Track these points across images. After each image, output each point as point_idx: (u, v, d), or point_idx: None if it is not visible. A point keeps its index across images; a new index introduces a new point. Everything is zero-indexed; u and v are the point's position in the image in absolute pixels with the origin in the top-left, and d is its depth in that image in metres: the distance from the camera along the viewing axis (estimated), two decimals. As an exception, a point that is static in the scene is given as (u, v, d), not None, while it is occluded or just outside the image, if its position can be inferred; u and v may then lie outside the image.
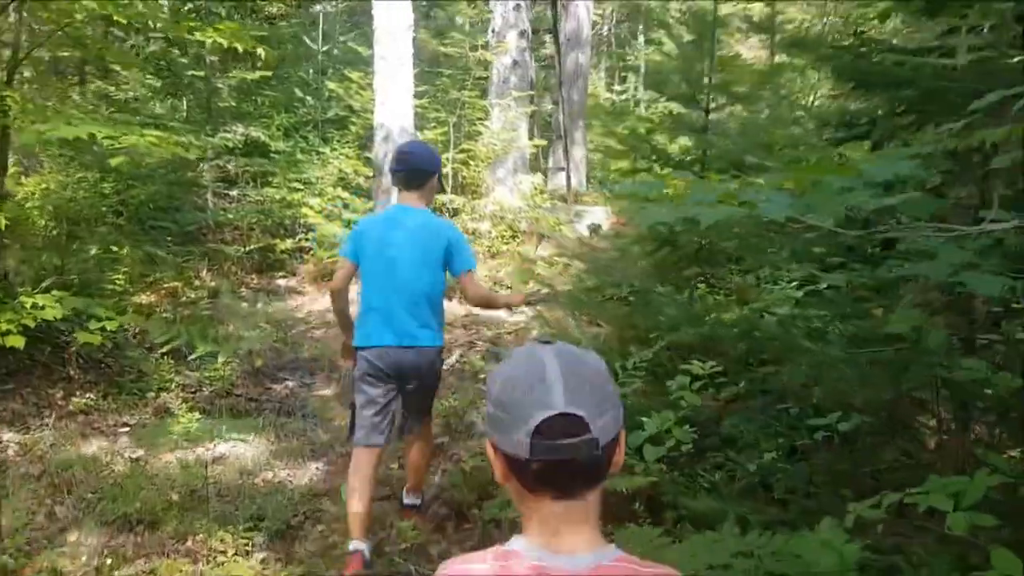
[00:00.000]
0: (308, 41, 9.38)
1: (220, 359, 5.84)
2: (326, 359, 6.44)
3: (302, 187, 8.86)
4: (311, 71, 9.27)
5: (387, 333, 3.57)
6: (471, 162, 9.54)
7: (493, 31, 11.38)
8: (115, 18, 5.61)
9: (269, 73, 9.10)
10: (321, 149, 8.93)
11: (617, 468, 1.15)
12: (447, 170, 9.08)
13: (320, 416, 5.53)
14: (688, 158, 5.21)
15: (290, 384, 6.13)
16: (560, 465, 1.07)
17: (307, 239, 8.65)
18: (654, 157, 5.11)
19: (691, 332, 3.71)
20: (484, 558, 1.14)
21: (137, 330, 6.30)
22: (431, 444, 4.15)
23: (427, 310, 3.62)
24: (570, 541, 1.11)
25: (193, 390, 5.76)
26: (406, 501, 4.10)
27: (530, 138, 11.20)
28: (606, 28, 24.16)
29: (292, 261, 8.80)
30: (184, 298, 7.75)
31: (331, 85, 8.70)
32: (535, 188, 10.18)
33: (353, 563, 3.45)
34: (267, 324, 7.19)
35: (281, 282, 8.59)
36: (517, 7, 11.41)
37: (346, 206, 8.45)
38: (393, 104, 7.61)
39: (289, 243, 8.60)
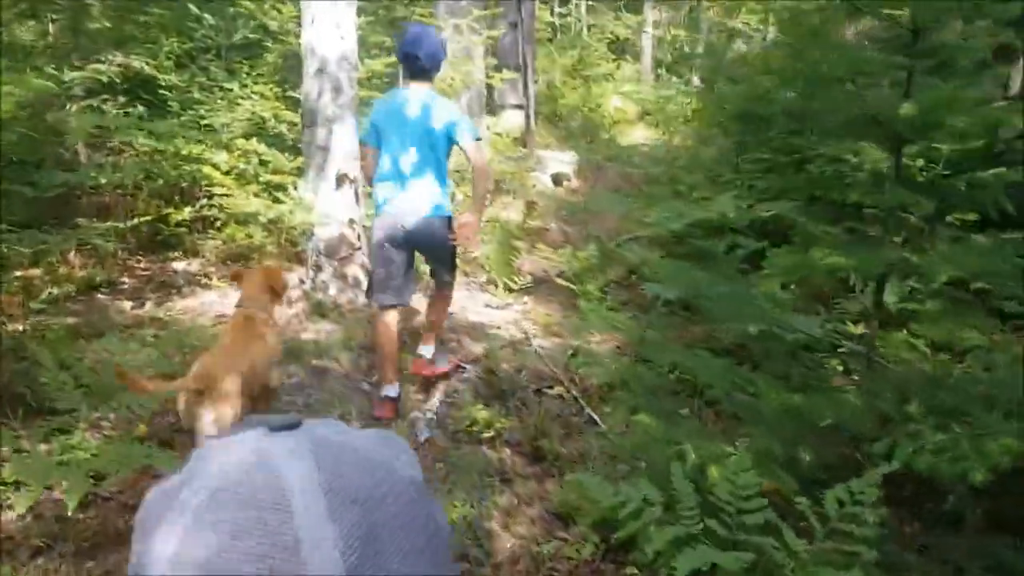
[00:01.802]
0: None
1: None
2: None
3: (203, 137, 6.61)
4: (208, -21, 6.92)
5: (404, 207, 4.13)
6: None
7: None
8: None
9: (153, -17, 6.75)
10: (227, 85, 6.63)
11: None
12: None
13: None
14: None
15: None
16: None
17: (212, 206, 6.45)
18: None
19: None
20: None
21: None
22: (449, 301, 4.67)
23: (436, 184, 4.16)
24: None
25: None
26: (421, 351, 4.60)
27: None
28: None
29: (192, 237, 6.59)
30: (44, 295, 5.54)
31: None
32: (506, 135, 8.12)
33: (388, 407, 4.25)
34: (159, 336, 5.07)
35: (179, 266, 6.39)
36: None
37: (264, 163, 6.26)
38: (328, 22, 5.40)
39: (188, 212, 6.35)
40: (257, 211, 5.54)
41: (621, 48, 21.97)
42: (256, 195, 6.01)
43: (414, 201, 4.13)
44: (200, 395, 3.03)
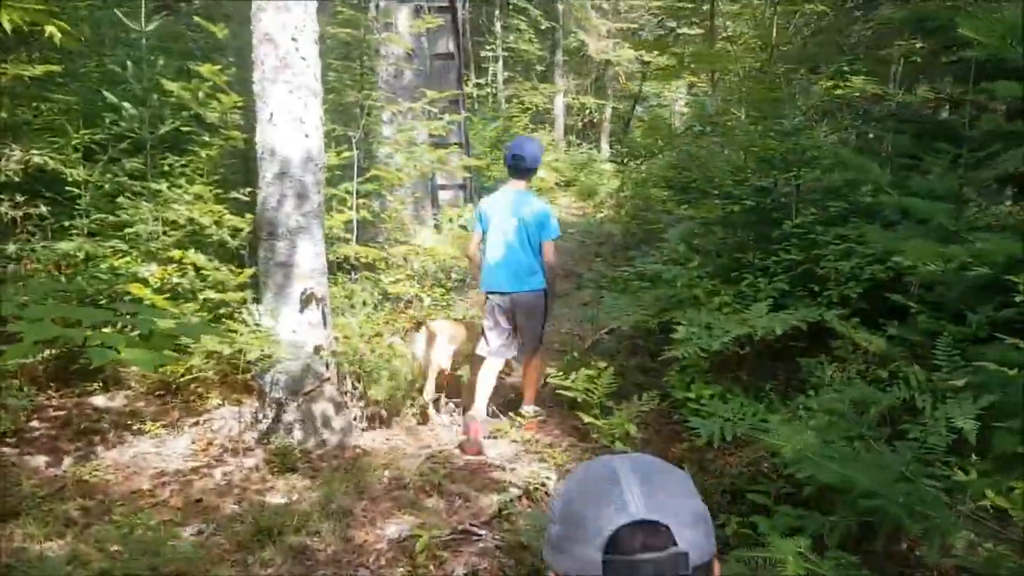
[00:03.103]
0: (124, 18, 6.00)
1: None
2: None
3: (126, 245, 5.60)
4: (128, 63, 5.94)
5: (504, 281, 5.23)
6: (385, 195, 6.61)
7: (377, 7, 8.42)
8: None
9: (58, 68, 5.75)
10: (155, 185, 5.65)
11: None
12: (352, 215, 6.10)
13: None
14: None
15: None
16: None
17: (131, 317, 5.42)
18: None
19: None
20: None
21: None
22: (541, 364, 5.45)
23: (531, 265, 5.21)
24: None
25: None
26: (524, 410, 5.34)
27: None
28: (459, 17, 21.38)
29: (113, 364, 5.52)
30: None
31: (169, 85, 5.45)
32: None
33: (474, 426, 5.01)
34: (87, 509, 4.03)
35: (101, 402, 5.31)
36: (410, -24, 8.51)
37: (204, 277, 5.29)
38: (289, 117, 4.56)
39: (108, 333, 5.30)
40: (203, 343, 4.57)
41: (540, 118, 21.69)
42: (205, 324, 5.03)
43: (514, 278, 5.21)
44: None
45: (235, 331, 4.66)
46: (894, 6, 9.27)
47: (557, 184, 19.14)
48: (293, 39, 4.50)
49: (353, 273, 6.41)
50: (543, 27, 22.23)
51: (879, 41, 13.71)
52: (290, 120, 4.53)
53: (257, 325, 4.71)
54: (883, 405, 4.05)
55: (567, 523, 0.97)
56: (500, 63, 21.69)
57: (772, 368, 5.27)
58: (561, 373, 4.76)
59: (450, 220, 8.04)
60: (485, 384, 5.24)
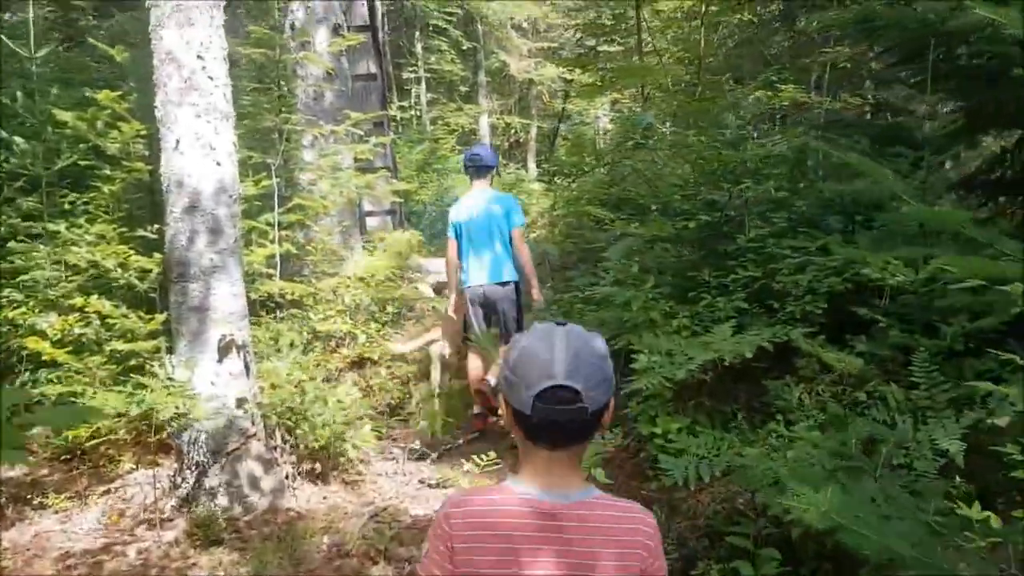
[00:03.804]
0: (12, 45, 5.40)
1: None
2: None
3: (21, 294, 5.01)
4: (19, 94, 5.35)
5: (479, 275, 5.64)
6: (310, 224, 6.13)
7: (292, 27, 7.96)
8: None
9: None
10: (52, 226, 5.07)
11: (605, 428, 1.48)
12: (274, 248, 5.62)
13: None
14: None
15: None
16: (554, 424, 1.39)
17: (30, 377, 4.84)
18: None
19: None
20: (483, 492, 1.53)
21: None
22: None
23: (502, 258, 5.63)
24: (558, 482, 1.45)
25: None
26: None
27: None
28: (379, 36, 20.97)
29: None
30: None
31: (63, 115, 4.88)
32: (410, 241, 6.93)
33: (479, 422, 5.73)
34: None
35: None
36: (329, -9, 8.07)
37: (109, 326, 4.73)
38: (199, 144, 4.08)
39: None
40: (108, 405, 4.02)
41: (466, 139, 21.37)
42: (104, 380, 4.48)
43: (490, 272, 5.64)
44: None
45: (145, 387, 4.14)
46: (820, 14, 9.21)
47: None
48: (199, 57, 4.04)
49: (278, 311, 5.92)
50: (465, 48, 21.96)
51: (799, 51, 13.82)
52: (199, 147, 4.05)
53: (170, 379, 4.19)
54: (863, 432, 3.77)
55: (515, 373, 1.41)
56: (423, 85, 21.32)
57: (735, 391, 4.96)
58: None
59: (382, 239, 7.57)
60: (475, 364, 5.74)
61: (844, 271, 4.59)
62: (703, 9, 9.94)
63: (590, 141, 21.56)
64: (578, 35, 24.98)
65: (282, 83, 6.69)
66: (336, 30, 8.09)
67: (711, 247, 5.16)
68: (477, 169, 5.78)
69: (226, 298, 4.20)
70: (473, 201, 5.70)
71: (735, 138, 5.25)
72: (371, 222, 10.23)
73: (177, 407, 4.10)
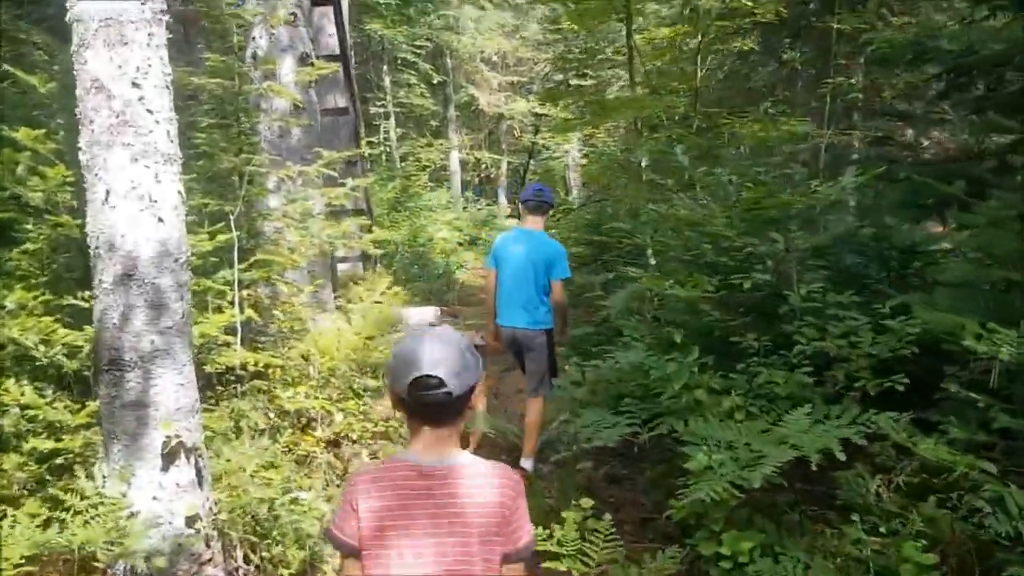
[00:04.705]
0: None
1: None
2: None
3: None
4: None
5: (513, 315, 5.33)
6: (276, 280, 5.23)
7: (255, 55, 7.12)
8: None
9: None
10: (-42, 293, 4.12)
11: (473, 410, 1.94)
12: (234, 314, 4.72)
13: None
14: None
15: None
16: (425, 406, 1.80)
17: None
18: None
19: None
20: (380, 462, 2.09)
21: None
22: (543, 412, 5.38)
23: (537, 303, 5.28)
24: (435, 451, 1.85)
25: None
26: (523, 464, 5.29)
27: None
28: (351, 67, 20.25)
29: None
30: None
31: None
32: (388, 313, 6.05)
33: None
34: None
35: None
36: (293, 17, 7.23)
37: (32, 419, 3.79)
38: (134, 195, 3.20)
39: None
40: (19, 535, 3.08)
41: (436, 174, 20.61)
42: (26, 484, 3.55)
43: (522, 315, 5.30)
44: None
45: (66, 506, 3.21)
46: (870, 34, 8.62)
47: (460, 244, 18.05)
48: (135, 85, 3.17)
49: (239, 385, 5.00)
50: (435, 81, 21.27)
51: (789, 82, 13.28)
52: (135, 199, 3.17)
53: (100, 494, 3.27)
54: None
55: (395, 366, 1.82)
56: (392, 120, 20.54)
57: (796, 486, 4.15)
58: (539, 528, 3.45)
59: (360, 299, 6.69)
60: (531, 427, 5.37)
61: (930, 337, 3.82)
62: (699, 37, 9.27)
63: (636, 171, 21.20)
64: (548, 69, 24.53)
65: (243, 118, 5.82)
66: (303, 59, 7.26)
67: (758, 306, 4.38)
68: (538, 205, 5.51)
69: (171, 390, 3.29)
70: (524, 237, 5.45)
71: (797, 178, 4.47)
72: (342, 267, 9.37)
73: (108, 531, 3.18)
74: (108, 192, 3.17)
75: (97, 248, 3.22)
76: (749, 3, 9.00)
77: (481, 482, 1.83)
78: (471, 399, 1.84)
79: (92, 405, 3.73)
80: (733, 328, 4.22)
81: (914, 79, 7.68)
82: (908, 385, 3.81)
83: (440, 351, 1.77)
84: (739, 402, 3.85)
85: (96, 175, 3.18)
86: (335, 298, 7.32)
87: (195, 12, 6.99)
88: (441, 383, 1.75)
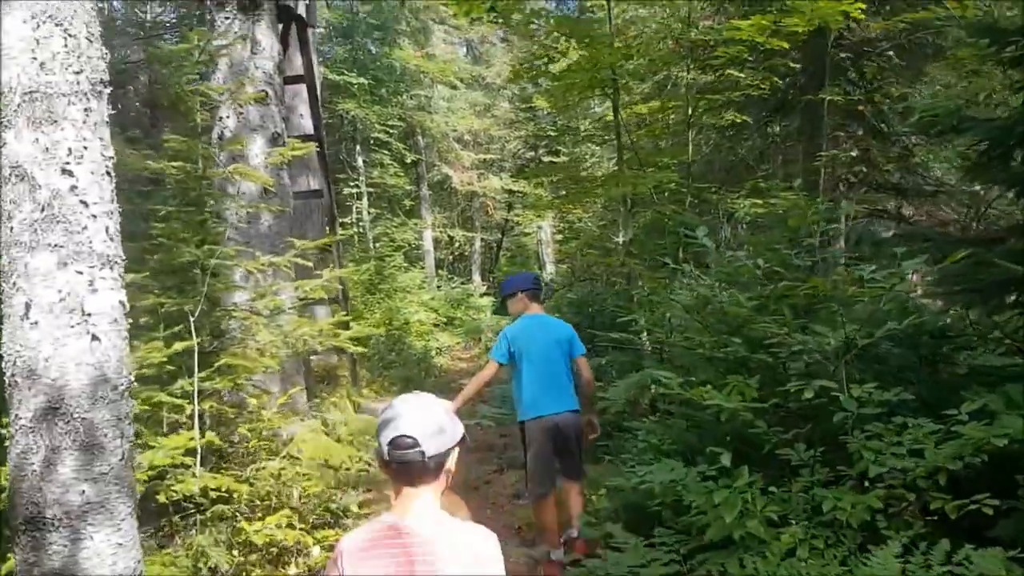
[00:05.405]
0: None
1: None
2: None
3: None
4: None
5: (551, 403, 5.03)
6: (243, 385, 4.56)
7: (220, 136, 6.57)
8: None
9: None
10: None
11: (451, 473, 1.93)
12: (192, 435, 4.04)
13: None
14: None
15: None
16: (402, 465, 1.83)
17: None
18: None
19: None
20: (363, 526, 1.96)
21: None
22: (583, 492, 5.27)
23: (570, 386, 5.14)
24: (416, 511, 1.86)
25: None
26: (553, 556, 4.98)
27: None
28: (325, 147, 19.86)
29: None
30: None
31: None
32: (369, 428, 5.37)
33: (553, 568, 4.88)
34: None
35: None
36: (264, 95, 6.70)
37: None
38: (63, 307, 2.56)
39: None
40: None
41: (411, 255, 20.09)
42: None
43: (559, 399, 5.08)
44: None
45: None
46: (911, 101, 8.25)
47: (435, 325, 17.43)
48: (66, 172, 2.56)
49: (199, 515, 4.28)
50: (408, 160, 20.92)
51: (776, 155, 13.00)
52: (63, 314, 2.53)
53: None
54: None
55: (379, 427, 1.85)
56: (364, 200, 20.06)
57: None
58: None
59: (334, 404, 6.00)
60: (553, 522, 5.11)
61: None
62: (689, 112, 8.89)
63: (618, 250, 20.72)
64: (519, 147, 24.36)
65: (208, 202, 5.24)
66: (275, 139, 6.72)
67: (805, 412, 3.77)
68: (537, 292, 5.56)
69: (107, 553, 2.59)
70: (541, 322, 5.36)
71: (831, 260, 3.93)
72: (315, 357, 8.69)
73: None
74: (28, 305, 2.52)
75: (13, 375, 2.55)
76: (739, 75, 8.68)
77: (459, 544, 1.88)
78: (447, 462, 1.90)
79: (9, 563, 3.01)
80: (783, 441, 3.60)
81: (953, 151, 7.28)
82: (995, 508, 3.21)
83: (417, 414, 1.86)
84: (800, 534, 3.21)
85: (14, 284, 2.54)
86: (310, 403, 6.63)
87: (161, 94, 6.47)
88: (416, 443, 1.81)
